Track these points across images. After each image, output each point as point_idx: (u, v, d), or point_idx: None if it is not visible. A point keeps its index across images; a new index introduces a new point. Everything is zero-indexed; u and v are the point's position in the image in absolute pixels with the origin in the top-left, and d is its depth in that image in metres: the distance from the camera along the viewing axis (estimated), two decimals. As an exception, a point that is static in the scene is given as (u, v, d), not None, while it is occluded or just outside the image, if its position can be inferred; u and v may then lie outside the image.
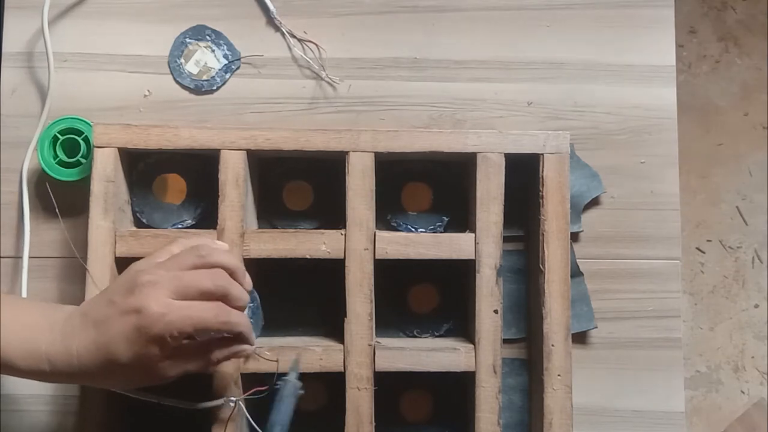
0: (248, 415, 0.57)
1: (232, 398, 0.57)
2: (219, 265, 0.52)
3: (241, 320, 0.52)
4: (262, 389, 0.57)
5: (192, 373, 0.53)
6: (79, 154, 0.62)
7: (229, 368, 0.58)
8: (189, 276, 0.51)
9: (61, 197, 0.63)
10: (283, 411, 0.55)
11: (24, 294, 0.62)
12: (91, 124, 0.63)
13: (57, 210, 0.62)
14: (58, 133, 0.63)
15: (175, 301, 0.50)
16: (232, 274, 0.53)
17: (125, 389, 0.56)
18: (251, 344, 0.54)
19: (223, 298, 0.51)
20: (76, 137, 0.63)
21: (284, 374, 0.57)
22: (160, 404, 0.57)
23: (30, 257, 0.63)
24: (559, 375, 0.60)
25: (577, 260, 0.65)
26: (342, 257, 0.59)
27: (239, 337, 0.53)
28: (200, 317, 0.50)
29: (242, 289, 0.53)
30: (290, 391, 0.56)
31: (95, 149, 0.59)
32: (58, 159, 0.62)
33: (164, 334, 0.48)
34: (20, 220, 0.64)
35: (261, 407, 0.61)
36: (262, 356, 0.58)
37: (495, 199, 0.60)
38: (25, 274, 0.62)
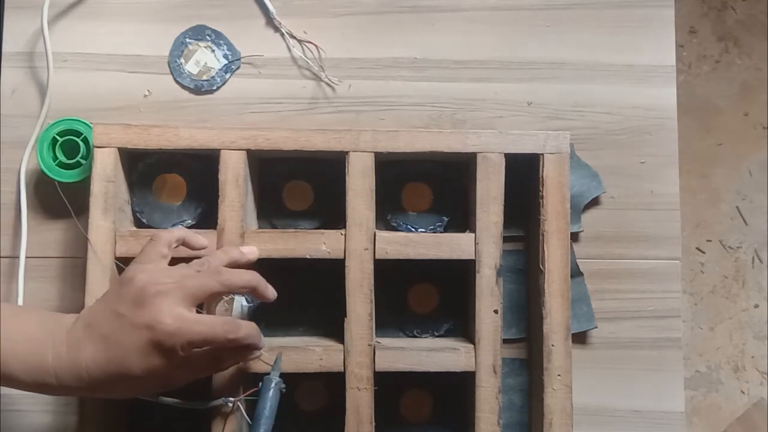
0: (246, 415, 0.57)
1: (230, 399, 0.57)
2: (242, 286, 0.53)
3: (250, 332, 0.52)
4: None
5: (200, 378, 0.53)
6: (79, 155, 0.62)
7: (229, 368, 0.58)
8: (194, 280, 0.51)
9: (62, 220, 0.63)
10: (268, 407, 0.55)
11: (21, 294, 0.62)
12: (90, 124, 0.63)
13: (70, 208, 0.62)
14: (57, 134, 0.62)
15: (187, 314, 0.50)
16: (254, 290, 0.54)
17: (127, 396, 0.56)
18: (260, 349, 0.55)
19: (231, 292, 0.53)
20: (75, 138, 0.62)
21: (267, 373, 0.57)
22: (159, 404, 0.57)
23: (29, 257, 0.63)
24: (559, 375, 0.60)
25: (577, 260, 0.65)
26: (342, 257, 0.59)
27: (250, 349, 0.54)
28: (212, 333, 0.50)
29: (245, 275, 0.54)
30: (274, 387, 0.56)
31: (95, 149, 0.59)
32: (57, 161, 0.62)
33: (176, 346, 0.49)
34: (19, 220, 0.63)
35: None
36: (261, 359, 0.58)
37: (495, 199, 0.60)
38: (22, 274, 0.62)
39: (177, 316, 0.49)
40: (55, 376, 0.49)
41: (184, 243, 0.56)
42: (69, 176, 0.62)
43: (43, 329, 0.50)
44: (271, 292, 0.56)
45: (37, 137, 0.63)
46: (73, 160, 0.62)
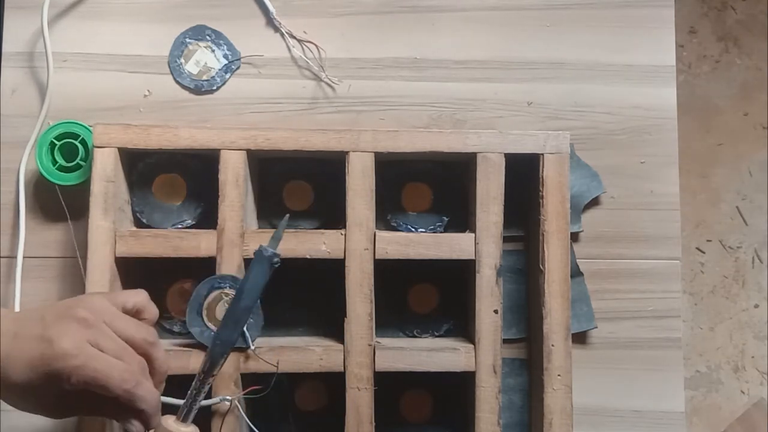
0: (245, 414, 0.57)
1: (228, 397, 0.57)
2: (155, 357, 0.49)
3: (148, 396, 0.47)
4: (257, 388, 0.57)
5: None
6: (78, 158, 0.62)
7: (229, 368, 0.58)
8: (119, 322, 0.48)
9: (62, 220, 0.63)
10: (253, 279, 0.52)
11: (18, 294, 0.62)
12: (87, 126, 0.63)
13: (67, 213, 0.62)
14: (55, 138, 0.62)
15: (91, 349, 0.45)
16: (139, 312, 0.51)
17: (24, 410, 0.50)
18: (150, 428, 0.48)
19: (146, 356, 0.48)
20: (74, 141, 0.62)
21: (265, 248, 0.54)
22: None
23: (29, 257, 0.63)
24: (559, 375, 0.60)
25: (577, 260, 0.65)
26: (342, 257, 0.59)
27: (141, 415, 0.47)
28: (105, 374, 0.45)
29: (164, 359, 0.50)
30: (265, 258, 0.53)
31: (95, 149, 0.59)
32: (57, 164, 0.62)
33: (63, 374, 0.44)
34: (17, 220, 0.63)
35: (260, 406, 0.61)
36: (261, 359, 0.58)
37: (495, 199, 0.60)
38: (19, 273, 0.62)
39: (78, 345, 0.45)
40: None
41: (137, 312, 0.51)
42: (68, 179, 0.62)
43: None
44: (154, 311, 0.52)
45: (37, 137, 0.63)
46: (73, 163, 0.62)
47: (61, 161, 0.62)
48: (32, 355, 0.45)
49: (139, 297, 0.51)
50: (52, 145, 0.62)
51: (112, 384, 0.45)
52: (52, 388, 0.45)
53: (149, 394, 0.47)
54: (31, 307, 0.51)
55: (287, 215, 0.55)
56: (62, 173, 0.62)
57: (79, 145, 0.62)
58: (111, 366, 0.45)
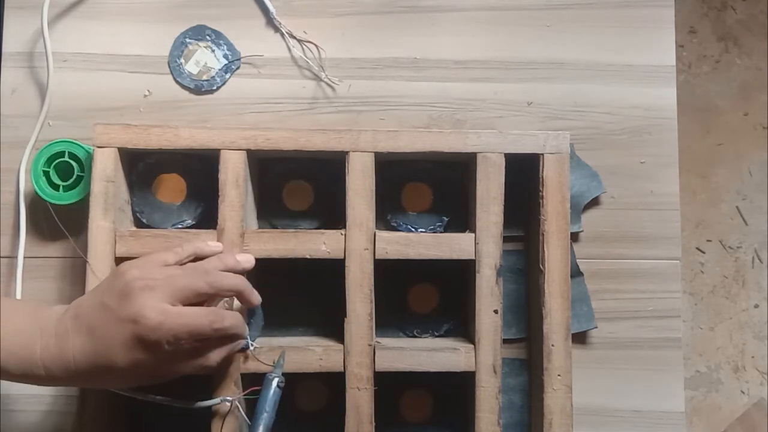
0: (245, 415, 0.57)
1: (228, 398, 0.57)
2: (228, 289, 0.53)
3: (235, 322, 0.53)
4: (257, 389, 0.57)
5: (189, 374, 0.53)
6: (74, 175, 0.62)
7: (229, 368, 0.58)
8: (182, 279, 0.51)
9: (62, 219, 0.62)
10: (267, 405, 0.56)
11: (19, 294, 0.62)
12: (79, 144, 0.62)
13: (65, 231, 0.62)
14: (47, 160, 0.62)
15: (171, 308, 0.50)
16: (240, 294, 0.54)
17: (121, 389, 0.56)
18: (245, 338, 0.56)
19: (218, 294, 0.53)
20: (68, 160, 0.62)
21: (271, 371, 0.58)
22: (158, 404, 0.57)
23: (30, 257, 0.63)
24: (559, 375, 0.60)
25: (577, 260, 0.65)
26: (342, 257, 0.59)
27: (236, 338, 0.55)
28: (196, 324, 0.50)
29: (233, 279, 0.54)
30: (273, 385, 0.57)
31: (95, 149, 0.59)
32: (54, 185, 0.62)
33: (161, 340, 0.49)
34: (18, 220, 0.63)
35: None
36: (261, 359, 0.58)
37: (495, 199, 0.60)
38: (20, 273, 0.62)
39: (160, 311, 0.49)
40: (43, 367, 0.49)
41: (196, 257, 0.56)
42: (67, 198, 0.62)
43: (33, 320, 0.51)
44: (255, 298, 0.56)
45: (32, 162, 0.62)
46: (70, 181, 0.62)
47: (57, 180, 0.62)
48: (124, 338, 0.49)
49: (186, 251, 0.55)
50: (48, 165, 0.62)
51: (203, 327, 0.50)
52: (157, 355, 0.49)
53: (233, 319, 0.53)
54: (77, 302, 0.53)
55: (284, 352, 0.59)
56: (59, 193, 0.62)
57: (74, 164, 0.62)
58: (196, 314, 0.51)
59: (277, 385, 0.57)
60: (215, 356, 0.54)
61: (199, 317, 0.51)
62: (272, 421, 0.56)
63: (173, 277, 0.51)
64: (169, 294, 0.50)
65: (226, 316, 0.52)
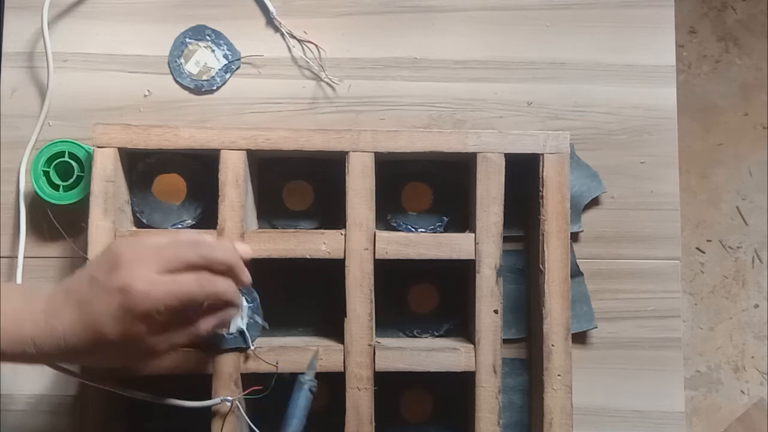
0: (245, 414, 0.57)
1: (228, 398, 0.57)
2: (220, 261, 0.51)
3: (227, 287, 0.51)
4: (258, 389, 0.57)
5: (182, 346, 0.52)
6: (74, 175, 0.62)
7: (229, 368, 0.58)
8: (171, 249, 0.50)
9: (62, 219, 0.62)
10: (298, 408, 0.55)
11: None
12: (79, 144, 0.62)
13: (62, 231, 0.62)
14: (47, 160, 0.62)
15: (159, 276, 0.48)
16: (231, 269, 0.52)
17: (116, 366, 0.55)
18: (237, 306, 0.54)
19: (208, 266, 0.50)
20: (68, 160, 0.62)
21: (302, 373, 0.58)
22: (158, 404, 0.57)
23: (30, 257, 0.63)
24: (559, 375, 0.60)
25: (577, 260, 0.65)
26: (342, 257, 0.59)
27: (226, 304, 0.53)
28: (186, 290, 0.49)
29: (226, 252, 0.52)
30: (305, 387, 0.56)
31: (95, 149, 0.59)
32: (54, 185, 0.62)
33: (150, 310, 0.48)
34: (18, 220, 0.63)
35: (260, 406, 0.61)
36: (261, 359, 0.58)
37: (495, 199, 0.60)
38: (20, 273, 0.62)
39: (148, 280, 0.48)
40: (33, 345, 0.48)
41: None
42: (68, 198, 0.62)
43: (24, 300, 0.50)
44: (246, 277, 0.54)
45: (31, 164, 0.62)
46: (70, 181, 0.62)
47: (57, 180, 0.62)
48: (113, 309, 0.48)
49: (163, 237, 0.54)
50: (48, 165, 0.62)
51: (195, 293, 0.49)
52: (148, 326, 0.48)
53: (225, 284, 0.51)
54: (67, 278, 0.52)
55: (318, 350, 0.59)
56: (59, 193, 0.62)
57: (74, 163, 0.62)
58: (186, 280, 0.49)
59: (310, 390, 0.56)
60: (206, 325, 0.52)
61: (189, 283, 0.49)
62: (302, 430, 0.55)
63: (162, 247, 0.50)
64: (157, 263, 0.49)
65: (218, 281, 0.50)
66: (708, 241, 1.60)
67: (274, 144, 0.60)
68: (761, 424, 1.53)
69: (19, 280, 0.62)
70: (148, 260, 0.49)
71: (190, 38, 0.66)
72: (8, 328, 0.48)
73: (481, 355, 0.60)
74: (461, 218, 0.65)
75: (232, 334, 0.58)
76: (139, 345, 0.49)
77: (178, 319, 0.50)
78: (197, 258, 0.50)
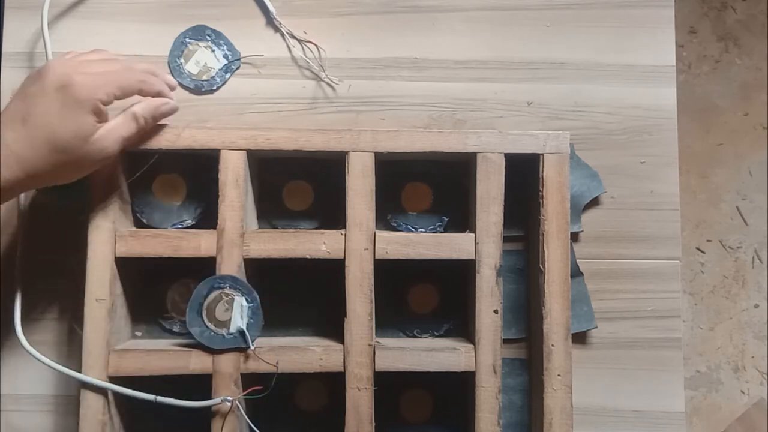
0: (245, 414, 0.57)
1: (228, 398, 0.57)
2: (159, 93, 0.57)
3: (156, 78, 0.57)
4: (258, 389, 0.57)
5: (129, 142, 0.56)
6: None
7: (229, 368, 0.58)
8: (96, 54, 0.55)
9: (62, 218, 0.62)
10: None
11: (19, 295, 0.62)
12: None
13: (62, 232, 0.62)
14: None
15: (93, 67, 0.53)
16: (159, 93, 0.58)
17: (75, 178, 0.55)
18: (171, 98, 0.59)
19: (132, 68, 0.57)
20: None
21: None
22: (158, 404, 0.57)
23: (29, 257, 0.63)
24: (559, 375, 0.60)
25: (577, 260, 0.65)
26: (342, 257, 0.59)
27: (163, 94, 0.58)
28: (121, 78, 0.53)
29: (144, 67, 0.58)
30: None
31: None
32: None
33: (93, 97, 0.51)
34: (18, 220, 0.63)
35: (260, 406, 0.61)
36: (261, 358, 0.58)
37: (495, 199, 0.60)
38: (19, 272, 0.62)
39: (83, 72, 0.52)
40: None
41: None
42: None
43: None
44: (170, 80, 0.60)
45: None
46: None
47: None
48: (58, 107, 0.50)
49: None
50: None
51: (130, 80, 0.54)
52: (91, 120, 0.51)
53: (152, 76, 0.57)
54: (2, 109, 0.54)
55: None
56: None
57: None
58: (118, 67, 0.55)
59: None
60: (143, 112, 0.56)
61: (121, 72, 0.54)
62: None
63: (85, 54, 0.54)
64: (84, 66, 0.53)
65: (146, 72, 0.56)
66: (708, 241, 1.60)
67: (274, 144, 0.60)
68: (761, 424, 1.53)
69: (18, 280, 0.62)
70: (74, 63, 0.53)
71: (190, 38, 0.66)
72: None
73: (481, 355, 0.60)
74: (461, 218, 0.65)
75: (232, 334, 0.58)
76: (89, 140, 0.52)
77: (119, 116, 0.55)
78: (120, 66, 0.55)
